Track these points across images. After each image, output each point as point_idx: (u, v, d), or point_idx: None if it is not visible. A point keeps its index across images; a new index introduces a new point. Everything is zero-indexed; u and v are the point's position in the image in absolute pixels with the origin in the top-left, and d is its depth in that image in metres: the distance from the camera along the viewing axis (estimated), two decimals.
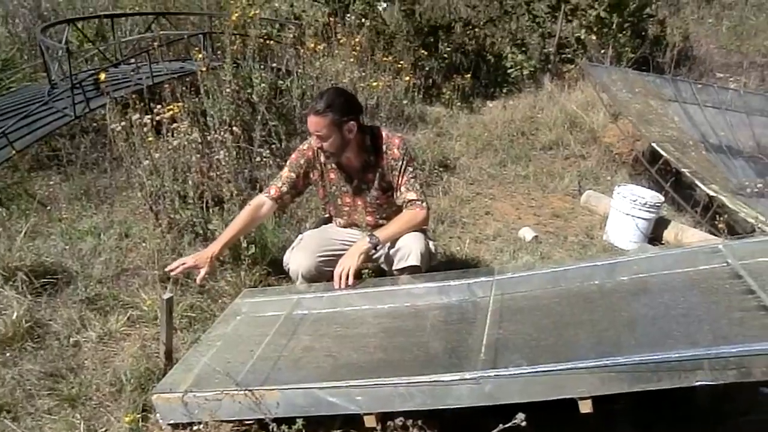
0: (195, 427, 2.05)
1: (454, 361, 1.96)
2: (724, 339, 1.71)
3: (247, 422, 2.10)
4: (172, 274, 2.54)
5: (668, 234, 3.92)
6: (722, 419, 2.20)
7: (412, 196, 2.68)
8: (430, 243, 2.71)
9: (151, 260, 3.04)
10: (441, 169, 4.74)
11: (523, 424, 1.73)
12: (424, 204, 2.69)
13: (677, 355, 1.64)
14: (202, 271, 2.56)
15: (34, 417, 2.19)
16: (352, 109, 2.60)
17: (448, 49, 6.73)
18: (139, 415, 2.12)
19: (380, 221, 2.78)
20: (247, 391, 1.95)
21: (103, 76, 3.89)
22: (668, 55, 6.94)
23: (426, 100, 6.11)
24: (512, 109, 6.14)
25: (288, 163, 2.79)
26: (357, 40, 5.42)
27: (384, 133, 2.71)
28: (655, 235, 3.92)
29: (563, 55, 6.98)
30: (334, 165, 2.73)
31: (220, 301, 2.90)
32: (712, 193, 3.76)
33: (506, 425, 1.75)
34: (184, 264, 2.54)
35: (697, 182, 3.88)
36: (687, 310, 1.93)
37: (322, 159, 2.74)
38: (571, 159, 5.28)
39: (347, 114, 2.56)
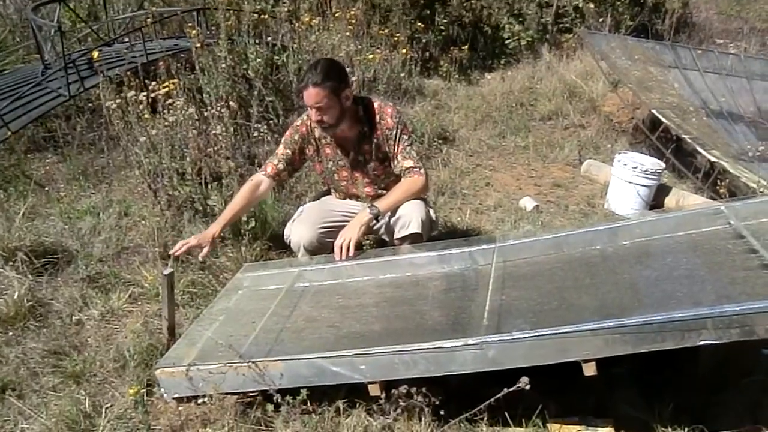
0: (199, 401, 2.06)
1: (457, 327, 1.95)
2: (728, 298, 1.71)
3: (251, 394, 2.09)
4: (176, 254, 2.53)
5: (669, 201, 3.90)
6: (725, 381, 2.20)
7: (409, 163, 2.66)
8: (431, 211, 2.70)
9: (151, 238, 3.03)
10: (440, 141, 4.70)
11: (527, 387, 1.73)
12: (422, 170, 2.68)
13: (681, 315, 1.64)
14: (204, 250, 2.56)
15: (39, 394, 2.20)
16: (345, 76, 2.60)
17: (445, 21, 6.64)
18: (143, 390, 2.12)
19: (379, 192, 2.77)
20: (250, 363, 1.96)
21: (96, 54, 3.84)
22: (667, 22, 6.87)
23: (423, 73, 6.05)
24: (510, 80, 6.08)
25: (283, 140, 2.77)
26: (352, 13, 5.35)
27: (376, 104, 2.69)
28: (656, 202, 3.90)
29: (561, 25, 6.90)
30: (329, 140, 2.71)
31: (221, 276, 2.89)
32: (713, 159, 3.74)
33: (510, 389, 1.76)
34: (186, 243, 2.54)
35: (698, 148, 3.86)
36: (690, 272, 1.93)
37: (317, 134, 2.71)
38: (571, 129, 5.24)
39: (343, 81, 2.55)
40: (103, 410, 2.10)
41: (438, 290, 2.27)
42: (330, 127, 2.58)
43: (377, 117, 2.65)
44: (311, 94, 2.49)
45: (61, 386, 2.23)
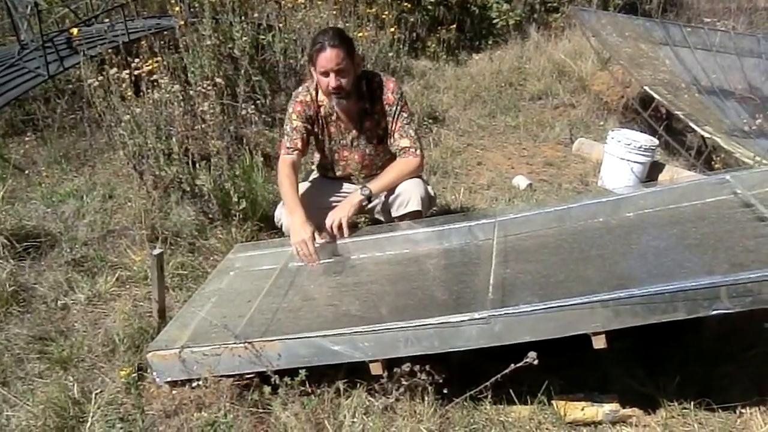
0: (194, 384, 2.00)
1: (461, 302, 1.89)
2: (740, 266, 1.66)
3: (247, 376, 2.02)
4: (315, 265, 2.38)
5: (663, 177, 3.87)
6: (728, 355, 2.17)
7: (405, 143, 2.59)
8: (429, 187, 2.63)
9: (138, 220, 2.93)
10: (430, 121, 4.64)
11: (535, 362, 1.69)
12: (418, 151, 2.60)
13: (693, 283, 1.60)
14: (317, 236, 2.42)
15: (25, 381, 2.12)
16: (353, 42, 2.53)
17: (431, 1, 6.55)
18: (135, 374, 2.04)
19: (375, 171, 2.69)
20: (246, 344, 1.89)
21: (75, 31, 3.70)
22: (655, 1, 6.82)
23: (411, 54, 5.96)
24: (499, 60, 6.01)
25: (295, 117, 2.60)
26: None
27: (378, 78, 2.60)
28: (649, 179, 3.87)
29: (549, 5, 6.83)
30: (333, 118, 2.61)
31: (211, 258, 2.81)
32: (706, 135, 3.71)
33: (518, 364, 1.71)
34: (307, 245, 2.37)
35: (692, 124, 3.82)
36: (699, 241, 1.88)
37: (323, 112, 2.61)
38: (561, 108, 5.19)
39: (354, 46, 2.48)
40: (93, 396, 2.02)
41: (439, 266, 2.21)
42: (347, 95, 2.47)
43: (379, 91, 2.56)
44: (330, 56, 2.37)
45: (48, 372, 2.15)
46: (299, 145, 2.58)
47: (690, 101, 4.25)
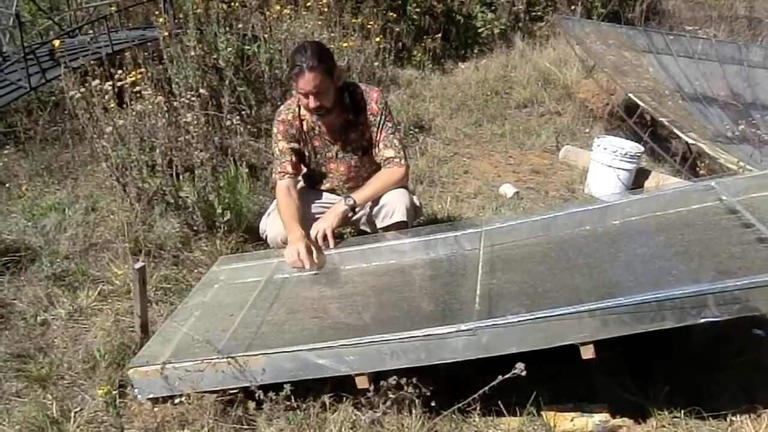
0: (176, 401, 1.96)
1: (447, 314, 1.87)
2: (727, 273, 1.65)
3: (231, 392, 1.98)
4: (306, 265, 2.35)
5: (649, 184, 3.88)
6: (717, 362, 2.17)
7: (389, 153, 2.57)
8: (414, 197, 2.60)
9: (121, 233, 2.88)
10: (416, 130, 4.64)
11: (523, 374, 1.66)
12: (402, 162, 2.58)
13: (681, 292, 1.59)
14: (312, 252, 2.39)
15: (1, 401, 2.06)
16: (332, 56, 2.51)
17: (417, 11, 6.57)
18: (115, 392, 1.99)
19: (360, 183, 2.67)
20: (230, 359, 1.86)
21: (57, 43, 3.66)
22: (637, 10, 6.88)
23: (397, 63, 5.96)
24: (484, 68, 6.03)
25: (280, 137, 2.59)
26: (324, 2, 5.23)
27: (361, 89, 2.58)
28: (636, 185, 3.88)
29: (533, 13, 6.87)
30: (317, 131, 2.59)
31: (195, 271, 2.77)
32: (691, 141, 3.73)
33: (506, 376, 1.69)
34: (299, 252, 2.35)
35: (676, 131, 3.85)
36: (686, 248, 1.88)
37: (305, 127, 2.59)
38: (547, 116, 5.21)
39: (333, 60, 2.45)
40: (72, 415, 1.97)
41: (425, 277, 2.19)
42: (327, 112, 2.45)
43: (362, 102, 2.55)
44: (308, 79, 2.34)
45: (26, 391, 2.09)
46: (289, 168, 2.57)
47: (674, 108, 4.29)
